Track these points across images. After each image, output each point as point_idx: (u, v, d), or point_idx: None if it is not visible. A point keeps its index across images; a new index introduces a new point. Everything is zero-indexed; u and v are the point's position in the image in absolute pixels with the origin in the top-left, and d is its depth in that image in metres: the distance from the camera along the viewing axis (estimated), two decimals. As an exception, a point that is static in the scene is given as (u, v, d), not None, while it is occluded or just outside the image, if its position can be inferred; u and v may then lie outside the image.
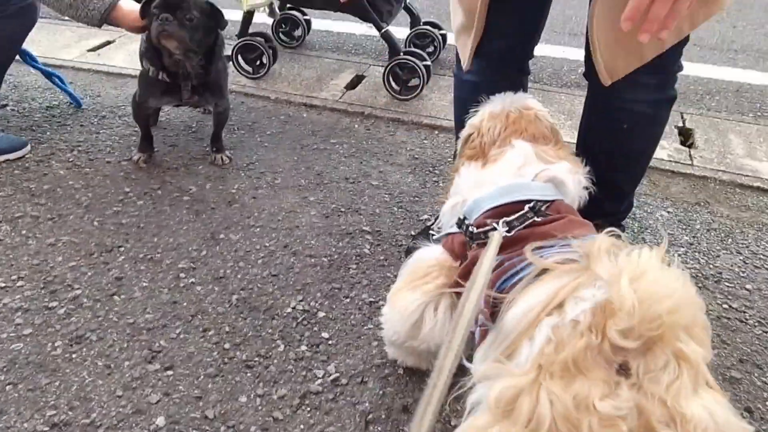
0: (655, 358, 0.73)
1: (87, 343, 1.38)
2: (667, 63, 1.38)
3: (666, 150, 2.32)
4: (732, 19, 3.75)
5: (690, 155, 2.30)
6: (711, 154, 2.30)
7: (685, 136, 2.44)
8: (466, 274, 1.11)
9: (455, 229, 1.23)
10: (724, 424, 0.73)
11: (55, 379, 1.29)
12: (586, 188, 1.27)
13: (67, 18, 1.97)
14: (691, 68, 3.02)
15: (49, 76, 2.43)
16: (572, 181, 1.23)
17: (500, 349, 0.86)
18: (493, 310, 0.94)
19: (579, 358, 0.74)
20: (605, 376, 0.73)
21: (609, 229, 0.90)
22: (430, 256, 1.25)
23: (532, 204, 1.11)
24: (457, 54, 1.60)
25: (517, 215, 1.10)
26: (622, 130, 1.47)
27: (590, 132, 1.60)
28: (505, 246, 1.05)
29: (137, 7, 1.89)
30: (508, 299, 0.89)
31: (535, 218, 1.09)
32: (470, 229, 1.16)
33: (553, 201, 1.15)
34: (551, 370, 0.75)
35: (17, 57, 2.24)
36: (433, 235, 1.37)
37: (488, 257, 0.93)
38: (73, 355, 1.35)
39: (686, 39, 1.37)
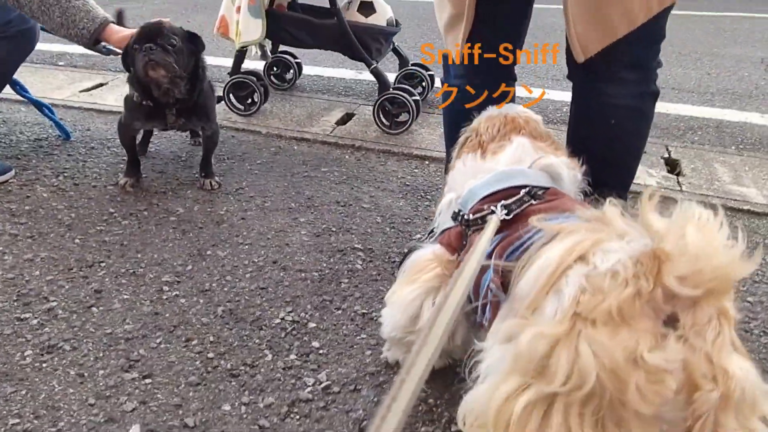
0: (702, 313, 0.70)
1: (59, 353, 1.29)
2: (644, 59, 1.43)
3: (654, 177, 2.33)
4: (706, 67, 3.91)
5: (678, 182, 2.31)
6: (699, 181, 2.32)
7: (672, 166, 2.46)
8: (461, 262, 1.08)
9: (451, 224, 1.20)
10: (757, 385, 0.71)
11: (22, 388, 1.19)
12: (582, 189, 1.26)
13: (62, 64, 2.00)
14: (671, 108, 3.12)
15: (39, 106, 2.43)
16: (568, 174, 1.21)
17: (519, 313, 0.82)
18: (503, 280, 0.91)
19: (625, 307, 0.70)
20: (652, 327, 0.70)
21: (611, 199, 0.88)
22: (427, 252, 1.21)
23: (528, 189, 1.09)
24: (445, 62, 1.62)
25: (514, 199, 1.07)
26: (609, 126, 1.49)
27: (578, 133, 1.61)
28: (503, 229, 1.02)
29: (125, 31, 1.93)
30: (520, 264, 0.86)
31: (532, 201, 1.07)
32: (466, 217, 1.13)
33: (548, 188, 1.13)
34: (592, 317, 0.70)
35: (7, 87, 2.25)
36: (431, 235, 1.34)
37: (483, 240, 0.90)
38: (44, 365, 1.25)
39: (661, 36, 1.42)
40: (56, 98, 2.97)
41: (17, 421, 1.11)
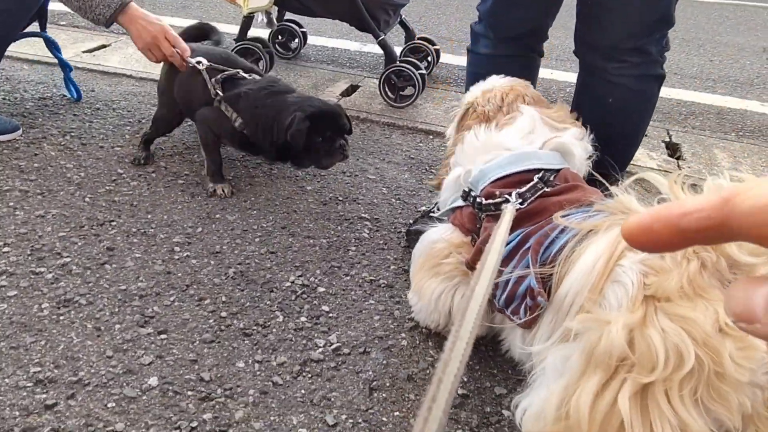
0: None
1: (75, 307, 1.31)
2: (648, 46, 1.46)
3: (655, 160, 2.37)
4: (708, 54, 3.93)
5: (678, 165, 2.35)
6: (699, 165, 2.37)
7: (672, 150, 2.50)
8: (479, 252, 1.09)
9: (461, 202, 1.22)
10: None
11: (41, 338, 1.22)
12: (590, 157, 1.29)
13: (63, 24, 1.97)
14: (673, 92, 3.14)
15: (63, 66, 2.40)
16: (579, 148, 1.24)
17: (570, 314, 0.82)
18: (545, 285, 0.91)
19: (696, 280, 0.70)
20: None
21: (621, 187, 0.91)
22: (439, 236, 1.22)
23: (541, 174, 1.11)
24: (472, 29, 1.64)
25: (528, 186, 1.09)
26: (608, 104, 1.53)
27: (580, 110, 1.65)
28: (519, 220, 1.03)
29: (149, 16, 1.86)
30: (560, 266, 0.87)
31: (545, 188, 1.08)
32: (478, 200, 1.14)
33: (559, 170, 1.15)
34: (665, 295, 0.70)
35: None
36: (433, 214, 1.36)
37: (500, 233, 0.88)
38: (61, 317, 1.28)
39: (669, 24, 1.45)
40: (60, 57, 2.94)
41: (38, 369, 1.14)
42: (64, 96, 2.46)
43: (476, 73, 1.67)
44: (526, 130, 1.22)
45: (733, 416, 0.67)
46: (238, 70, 1.87)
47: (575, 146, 1.22)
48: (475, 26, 1.64)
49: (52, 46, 2.38)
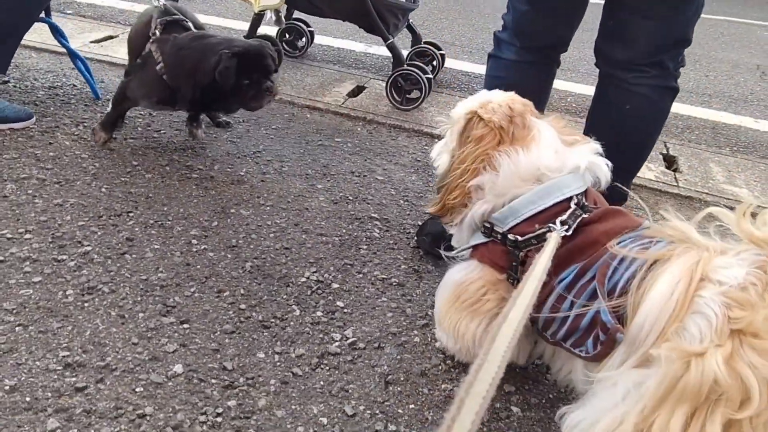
0: None
1: (99, 294, 1.35)
2: (665, 60, 1.55)
3: (653, 172, 2.45)
4: (704, 69, 4.03)
5: (675, 178, 2.43)
6: (695, 178, 2.45)
7: (669, 162, 2.58)
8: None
9: (482, 239, 1.17)
10: None
11: (67, 324, 1.25)
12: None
13: (69, 13, 1.99)
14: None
15: (74, 57, 2.41)
16: (605, 166, 1.19)
17: (646, 344, 0.83)
18: (618, 318, 0.91)
19: None
20: None
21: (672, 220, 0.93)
22: (467, 275, 1.18)
23: (576, 201, 1.10)
24: (496, 36, 1.70)
25: (568, 213, 1.07)
26: (625, 110, 1.60)
27: (596, 118, 1.72)
28: (571, 254, 1.02)
29: None
30: (632, 298, 0.87)
31: (584, 214, 1.08)
32: (511, 237, 1.10)
33: (586, 191, 1.15)
34: (753, 330, 0.72)
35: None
36: (447, 253, 1.29)
37: (543, 260, 0.89)
38: (86, 304, 1.32)
39: (687, 42, 1.52)
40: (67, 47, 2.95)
41: (67, 353, 1.18)
42: (74, 86, 2.48)
43: (498, 77, 1.72)
44: (553, 148, 1.17)
45: None
46: (183, 18, 1.92)
47: (603, 164, 1.19)
48: (500, 34, 1.70)
49: (58, 33, 2.38)
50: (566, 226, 1.04)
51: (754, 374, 0.71)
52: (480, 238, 1.17)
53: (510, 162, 1.12)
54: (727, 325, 0.74)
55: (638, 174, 2.38)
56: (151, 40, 1.88)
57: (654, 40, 1.51)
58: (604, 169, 1.16)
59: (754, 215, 0.83)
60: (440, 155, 1.32)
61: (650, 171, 2.44)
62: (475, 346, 1.17)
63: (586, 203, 1.10)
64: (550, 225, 1.05)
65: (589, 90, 3.00)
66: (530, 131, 1.19)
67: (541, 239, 1.05)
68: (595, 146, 1.20)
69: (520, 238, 1.09)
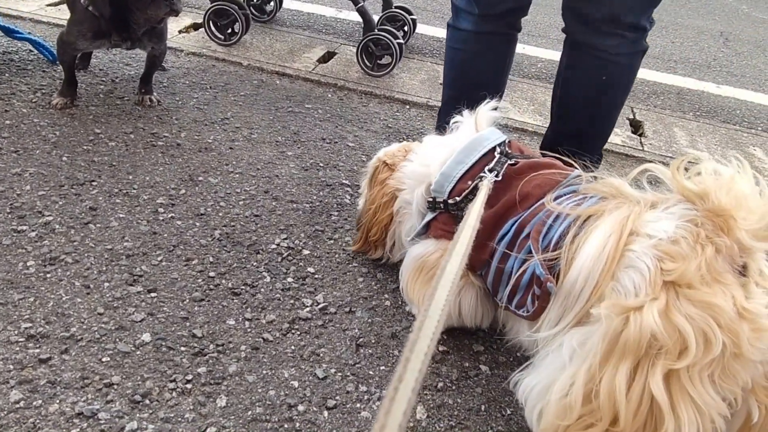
0: (758, 258, 0.77)
1: (62, 265, 1.32)
2: (641, 20, 1.52)
3: (620, 137, 2.48)
4: (671, 36, 4.07)
5: (641, 142, 2.47)
6: (659, 143, 2.49)
7: (635, 127, 2.62)
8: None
9: (431, 215, 1.21)
10: None
11: (29, 295, 1.22)
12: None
13: None
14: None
15: (9, 33, 2.30)
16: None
17: (581, 299, 0.84)
18: (551, 271, 0.92)
19: (713, 265, 0.74)
20: (736, 280, 0.74)
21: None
22: (430, 248, 1.21)
23: (500, 150, 1.16)
24: (453, 4, 1.67)
25: (494, 161, 1.13)
26: (601, 81, 1.58)
27: (568, 84, 1.70)
28: (507, 209, 1.05)
29: None
30: (565, 253, 0.88)
31: (509, 161, 1.13)
32: (451, 201, 1.15)
33: (509, 141, 1.20)
34: (686, 281, 0.73)
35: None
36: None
37: (475, 208, 0.91)
38: (48, 275, 1.28)
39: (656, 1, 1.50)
40: (23, 11, 2.82)
41: (29, 325, 1.15)
42: (30, 51, 2.37)
43: (456, 48, 1.71)
44: (442, 139, 1.27)
45: (737, 391, 0.74)
46: None
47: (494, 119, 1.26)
48: (457, 1, 1.66)
49: None
50: (494, 173, 1.10)
51: (691, 324, 0.72)
52: (429, 216, 1.22)
53: (412, 164, 1.28)
54: (660, 277, 0.75)
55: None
56: None
57: None
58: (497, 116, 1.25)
59: (687, 170, 0.84)
60: (358, 201, 1.52)
61: (617, 136, 2.47)
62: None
63: (509, 151, 1.16)
64: (481, 175, 1.11)
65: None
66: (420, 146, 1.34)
67: (475, 194, 1.08)
68: (487, 105, 1.27)
69: (458, 198, 1.14)
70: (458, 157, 1.17)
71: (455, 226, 1.14)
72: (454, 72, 1.77)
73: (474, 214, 0.89)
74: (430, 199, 1.20)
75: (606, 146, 2.34)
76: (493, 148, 1.17)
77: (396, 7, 3.03)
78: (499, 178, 1.10)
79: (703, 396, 0.73)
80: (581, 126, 1.61)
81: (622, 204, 0.87)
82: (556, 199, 1.01)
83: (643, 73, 3.26)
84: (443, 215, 1.19)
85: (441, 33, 3.46)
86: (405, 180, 1.28)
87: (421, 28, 3.29)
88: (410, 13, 3.05)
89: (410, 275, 1.25)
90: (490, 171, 1.12)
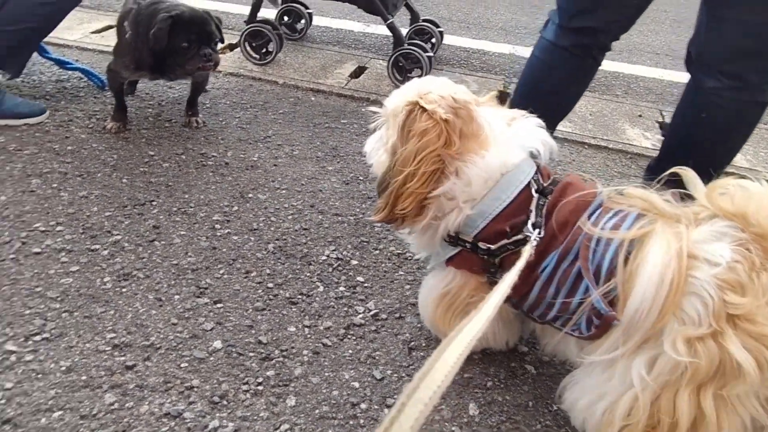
0: None
1: (135, 280, 1.43)
2: (744, 72, 1.48)
3: (650, 140, 2.53)
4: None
5: (671, 145, 2.51)
6: (689, 144, 2.53)
7: (665, 130, 2.66)
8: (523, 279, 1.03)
9: (453, 250, 1.14)
10: None
11: (109, 308, 1.34)
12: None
13: None
14: (665, 74, 3.30)
15: (61, 64, 2.46)
16: (547, 135, 1.16)
17: (643, 327, 0.88)
18: (606, 297, 0.94)
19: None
20: None
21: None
22: (456, 283, 1.16)
23: (536, 186, 1.08)
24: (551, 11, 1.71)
25: (534, 207, 1.05)
26: (699, 114, 1.58)
27: (677, 116, 1.72)
28: (544, 247, 1.02)
29: None
30: (621, 282, 0.91)
31: (547, 199, 1.06)
32: (483, 246, 1.08)
33: (538, 167, 1.13)
34: (750, 318, 0.81)
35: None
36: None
37: (512, 273, 0.87)
38: (123, 290, 1.40)
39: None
40: (68, 39, 2.98)
41: (113, 335, 1.27)
42: (81, 78, 2.52)
43: (534, 56, 1.74)
44: (509, 140, 1.11)
45: None
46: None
47: (547, 135, 1.15)
48: (552, 11, 1.70)
49: (41, 49, 2.41)
50: (538, 230, 1.01)
51: (749, 356, 0.80)
52: (451, 250, 1.13)
53: (479, 169, 1.06)
54: (724, 308, 0.82)
55: (635, 142, 2.46)
56: (122, 15, 2.01)
57: (738, 41, 1.41)
58: (550, 142, 1.12)
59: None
60: (375, 151, 1.20)
61: (647, 140, 2.52)
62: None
63: (543, 184, 1.08)
64: (526, 234, 1.02)
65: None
66: (480, 126, 1.09)
67: (519, 244, 1.04)
68: (536, 120, 1.15)
69: (493, 247, 1.06)
70: (497, 194, 1.06)
71: (482, 266, 1.10)
72: (524, 78, 1.83)
73: (509, 280, 0.85)
74: (453, 234, 1.10)
75: (636, 150, 2.40)
76: (529, 183, 1.08)
77: (423, 20, 3.12)
78: (542, 235, 1.02)
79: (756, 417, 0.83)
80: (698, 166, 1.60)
81: (666, 223, 0.91)
82: (591, 220, 0.99)
83: (672, 75, 3.30)
84: (468, 254, 1.11)
85: (467, 43, 3.55)
86: (472, 175, 1.06)
87: (447, 39, 3.37)
88: (437, 26, 3.14)
89: (436, 310, 1.20)
90: (534, 226, 1.02)
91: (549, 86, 1.78)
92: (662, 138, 2.53)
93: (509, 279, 0.85)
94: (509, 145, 1.10)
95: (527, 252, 0.97)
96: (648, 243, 0.89)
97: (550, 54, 1.70)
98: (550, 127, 1.97)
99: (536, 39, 1.81)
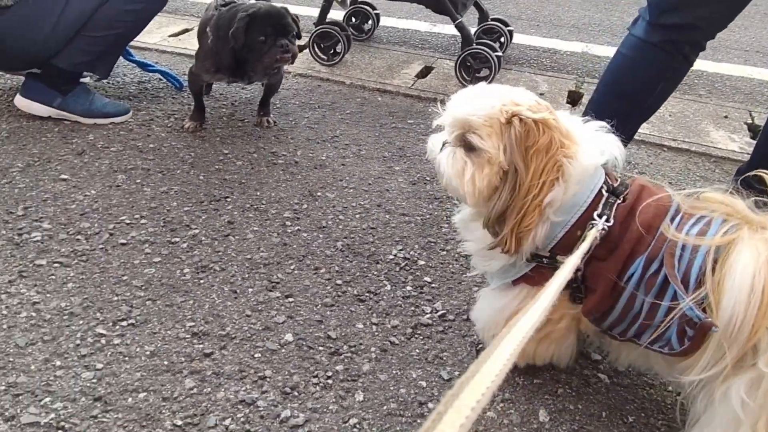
0: None
1: (211, 272, 1.50)
2: None
3: (737, 143, 2.39)
4: (787, 31, 3.82)
5: (757, 147, 2.36)
6: (778, 147, 2.36)
7: (755, 132, 2.50)
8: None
9: (528, 266, 1.09)
10: None
11: (188, 298, 1.40)
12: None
13: None
14: (755, 72, 3.10)
15: (143, 66, 2.60)
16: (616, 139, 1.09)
17: (738, 340, 0.85)
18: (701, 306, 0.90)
19: None
20: None
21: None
22: (519, 302, 1.12)
23: (607, 188, 1.04)
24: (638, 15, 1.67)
25: (602, 204, 1.01)
26: None
27: None
28: (631, 251, 0.99)
29: None
30: (712, 291, 0.87)
31: (618, 199, 1.03)
32: (560, 257, 1.04)
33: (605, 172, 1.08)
34: None
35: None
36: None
37: (575, 257, 0.85)
38: (201, 281, 1.46)
39: None
40: (148, 42, 3.14)
41: (192, 324, 1.33)
42: (160, 80, 2.66)
43: (620, 52, 1.68)
44: (590, 143, 1.05)
45: None
46: (241, 3, 2.05)
47: (616, 139, 1.09)
48: (642, 8, 1.65)
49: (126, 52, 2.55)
50: (605, 217, 0.98)
51: None
52: (526, 269, 1.07)
53: (575, 173, 1.00)
54: None
55: (720, 145, 2.33)
56: (204, 21, 2.10)
57: None
58: (619, 146, 1.06)
59: None
60: (465, 168, 1.06)
61: (734, 142, 2.38)
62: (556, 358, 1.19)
63: (613, 185, 1.05)
64: (591, 222, 0.99)
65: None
66: (567, 130, 1.04)
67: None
68: (599, 123, 1.10)
69: (562, 258, 1.02)
70: (576, 200, 1.01)
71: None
72: (607, 75, 1.77)
73: (571, 264, 0.81)
74: (533, 252, 1.05)
75: (722, 153, 2.27)
76: (601, 188, 1.04)
77: (492, 19, 3.09)
78: (611, 223, 0.98)
79: None
80: None
81: (752, 230, 0.87)
82: (674, 225, 0.96)
83: (762, 73, 3.10)
84: (543, 268, 1.06)
85: (537, 42, 3.48)
86: (572, 176, 1.00)
87: (516, 38, 3.32)
88: (507, 25, 3.09)
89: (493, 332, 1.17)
90: (600, 216, 0.99)
91: (635, 84, 1.71)
92: (752, 141, 2.40)
93: (570, 264, 0.81)
94: (593, 146, 1.05)
95: (591, 236, 0.93)
96: (735, 250, 0.86)
97: (639, 51, 1.63)
98: (632, 128, 1.90)
99: (610, 37, 1.75)
